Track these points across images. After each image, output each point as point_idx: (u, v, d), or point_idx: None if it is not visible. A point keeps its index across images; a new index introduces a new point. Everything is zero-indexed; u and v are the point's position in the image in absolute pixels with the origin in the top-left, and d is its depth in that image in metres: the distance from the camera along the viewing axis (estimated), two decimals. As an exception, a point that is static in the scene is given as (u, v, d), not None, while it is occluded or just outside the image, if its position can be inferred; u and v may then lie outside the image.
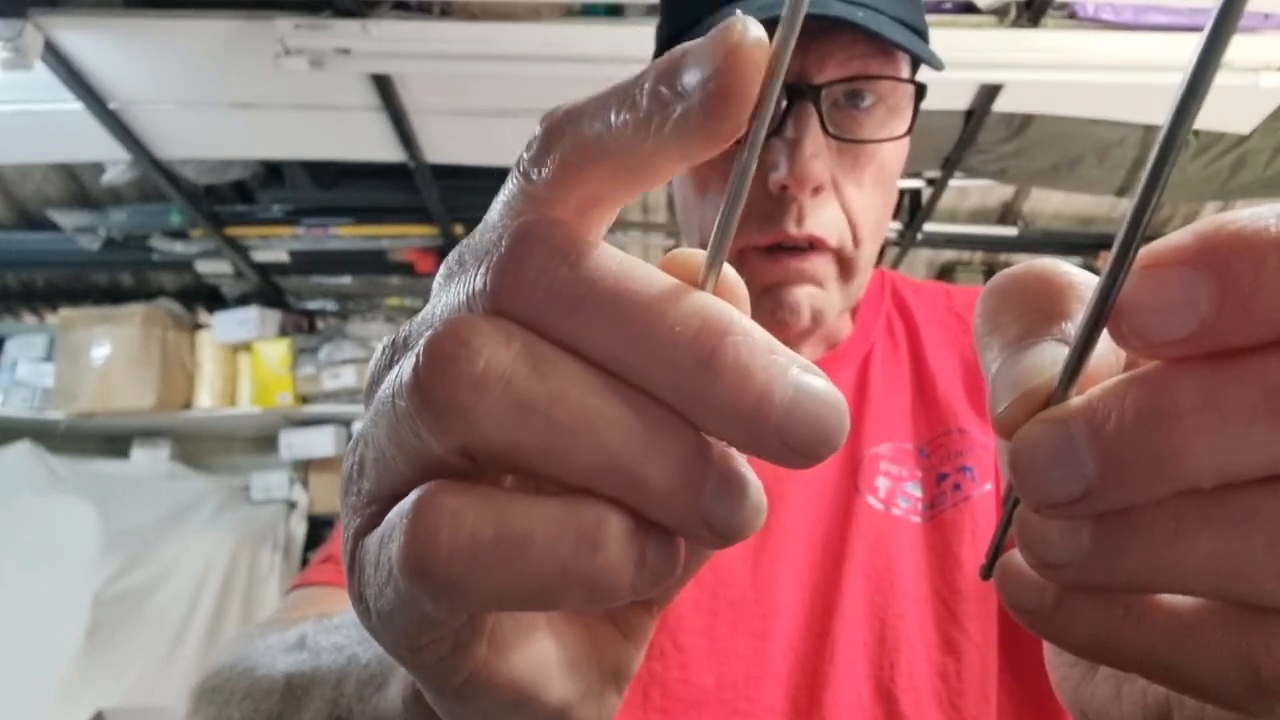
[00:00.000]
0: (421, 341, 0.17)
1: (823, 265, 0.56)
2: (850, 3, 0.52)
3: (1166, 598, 0.18)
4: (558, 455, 0.17)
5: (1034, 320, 0.18)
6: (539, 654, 0.22)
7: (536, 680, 0.21)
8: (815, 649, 0.53)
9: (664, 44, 0.61)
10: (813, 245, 0.55)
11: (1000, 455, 0.19)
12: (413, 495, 0.18)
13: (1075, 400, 0.17)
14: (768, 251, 0.55)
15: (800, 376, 0.17)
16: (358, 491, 0.20)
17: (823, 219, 0.54)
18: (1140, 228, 0.15)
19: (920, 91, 0.56)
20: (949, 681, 0.52)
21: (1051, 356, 0.18)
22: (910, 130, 0.56)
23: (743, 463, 0.18)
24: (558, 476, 0.17)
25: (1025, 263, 0.20)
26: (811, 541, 0.57)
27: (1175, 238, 0.16)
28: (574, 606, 0.18)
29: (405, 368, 0.18)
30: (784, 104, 0.53)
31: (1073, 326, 0.18)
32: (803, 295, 0.56)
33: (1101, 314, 0.16)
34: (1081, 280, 0.19)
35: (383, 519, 0.19)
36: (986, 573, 0.20)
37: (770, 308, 0.56)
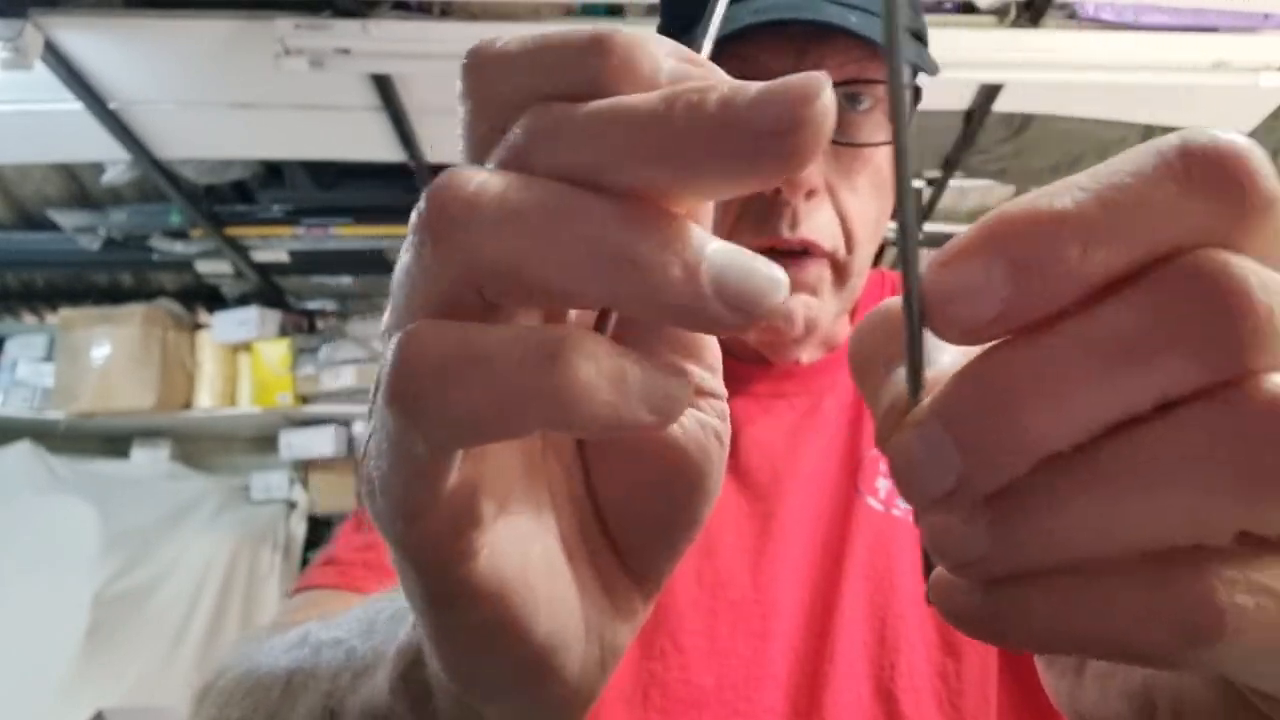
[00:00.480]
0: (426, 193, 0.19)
1: (816, 271, 0.56)
2: (846, 5, 0.52)
3: (1083, 572, 0.18)
4: (548, 253, 0.18)
5: (890, 351, 0.20)
6: (532, 576, 0.22)
7: (526, 602, 0.21)
8: (815, 649, 0.53)
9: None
10: (806, 250, 0.55)
11: None
12: (397, 335, 0.18)
13: (925, 401, 0.18)
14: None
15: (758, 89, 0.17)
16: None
17: (817, 223, 0.54)
18: (911, 230, 0.17)
19: (916, 94, 0.56)
20: (949, 682, 0.52)
21: (896, 380, 0.19)
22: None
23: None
24: (551, 281, 0.18)
25: (874, 308, 0.21)
26: (812, 542, 0.57)
27: (964, 233, 0.17)
28: (551, 427, 0.18)
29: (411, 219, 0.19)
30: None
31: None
32: (797, 304, 0.56)
33: (913, 317, 0.18)
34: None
35: None
36: (928, 596, 0.20)
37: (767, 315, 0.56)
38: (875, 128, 0.55)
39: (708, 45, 0.21)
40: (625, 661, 0.49)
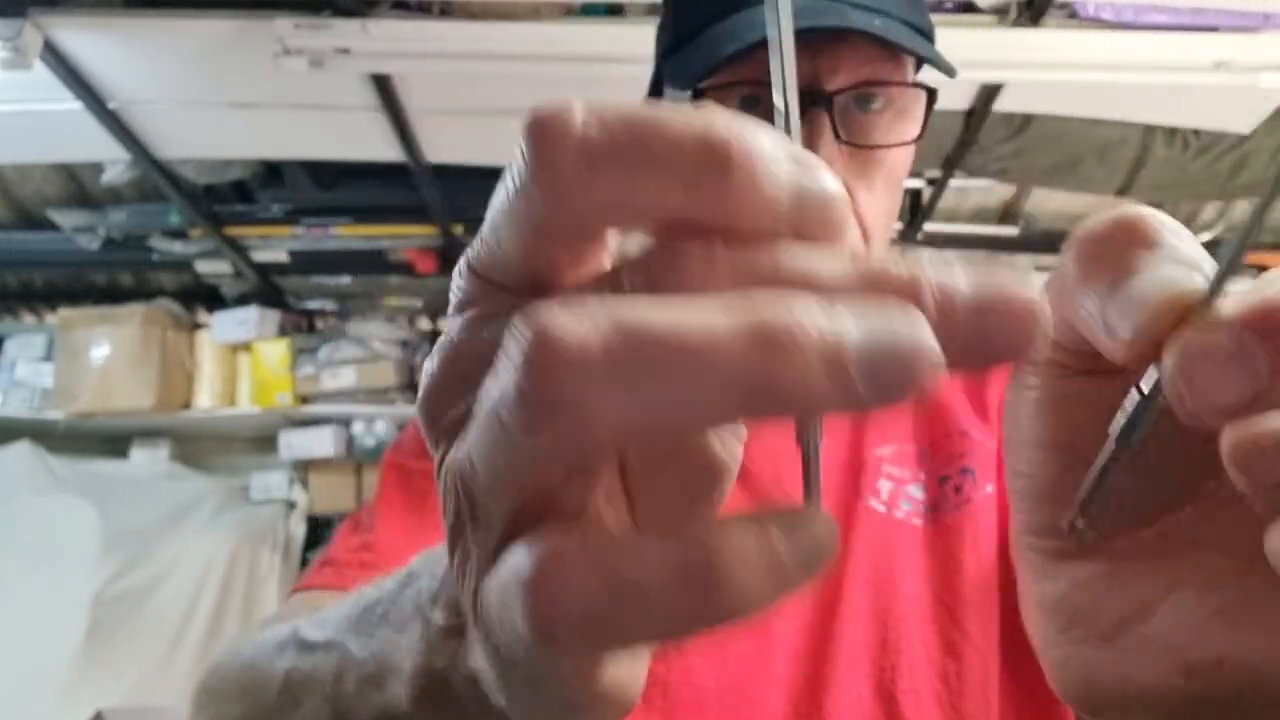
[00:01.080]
0: (513, 350, 0.15)
1: None
2: (867, 9, 0.52)
3: None
4: (669, 393, 0.15)
5: (1140, 252, 0.19)
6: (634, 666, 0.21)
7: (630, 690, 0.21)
8: (817, 651, 0.54)
9: (666, 49, 0.61)
10: None
11: (1154, 376, 0.19)
12: (522, 557, 0.17)
13: (1230, 306, 0.18)
14: None
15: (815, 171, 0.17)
16: (467, 536, 0.19)
17: None
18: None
19: (931, 95, 0.56)
20: (949, 683, 0.53)
21: (1172, 276, 0.19)
22: (922, 134, 0.57)
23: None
24: (678, 418, 0.15)
25: (1106, 214, 0.21)
26: None
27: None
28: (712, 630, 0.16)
29: (505, 381, 0.16)
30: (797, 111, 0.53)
31: (1168, 254, 0.20)
32: None
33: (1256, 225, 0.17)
34: (1165, 218, 0.21)
35: (498, 559, 0.18)
36: (1076, 523, 0.20)
37: None
38: (888, 127, 0.56)
39: (792, 101, 0.19)
40: None
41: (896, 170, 0.58)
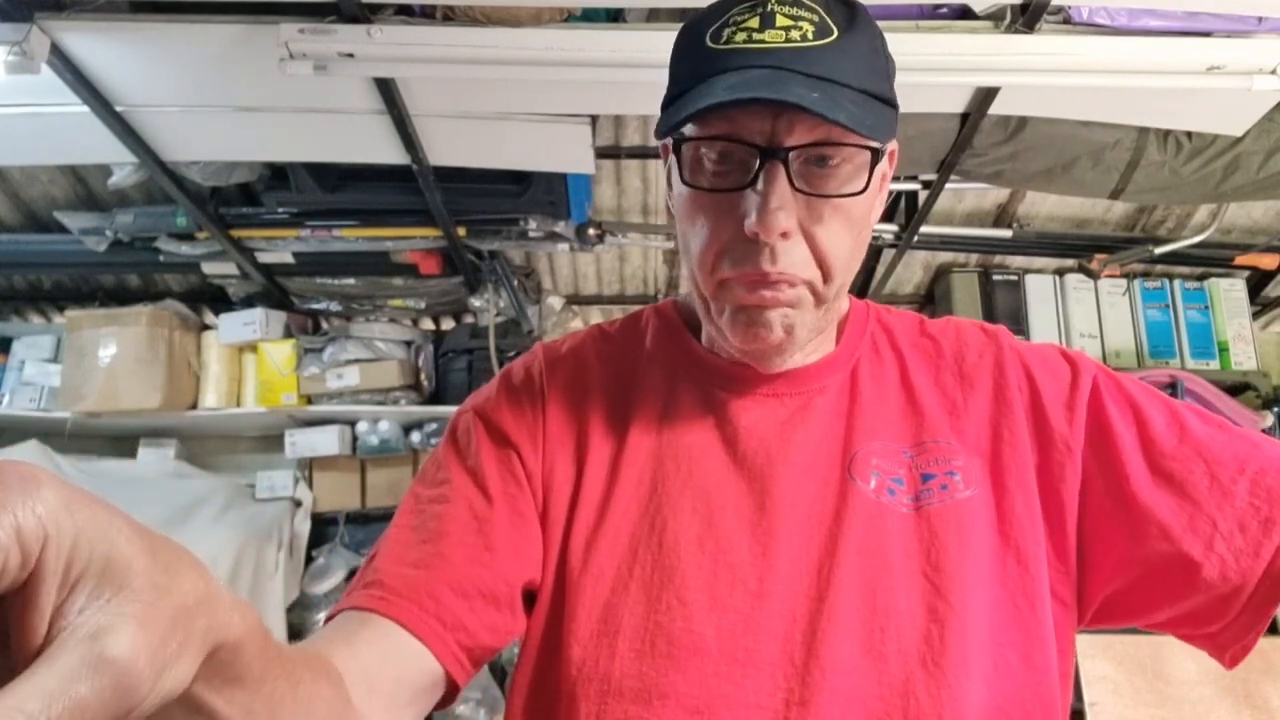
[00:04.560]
0: None
1: (795, 292, 0.64)
2: (819, 79, 0.59)
3: None
4: None
5: None
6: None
7: None
8: (813, 612, 0.61)
9: (663, 104, 0.67)
10: (784, 280, 0.62)
11: None
12: None
13: None
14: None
15: None
16: None
17: (793, 259, 0.62)
18: None
19: (875, 156, 0.63)
20: (931, 644, 0.60)
21: None
22: (866, 189, 0.63)
23: None
24: None
25: None
26: (808, 518, 0.65)
27: None
28: None
29: None
30: (758, 164, 0.61)
31: None
32: (775, 315, 0.64)
33: None
34: None
35: None
36: None
37: (746, 323, 0.65)
38: (843, 181, 0.63)
39: None
40: (637, 617, 0.63)
41: (855, 215, 0.64)
